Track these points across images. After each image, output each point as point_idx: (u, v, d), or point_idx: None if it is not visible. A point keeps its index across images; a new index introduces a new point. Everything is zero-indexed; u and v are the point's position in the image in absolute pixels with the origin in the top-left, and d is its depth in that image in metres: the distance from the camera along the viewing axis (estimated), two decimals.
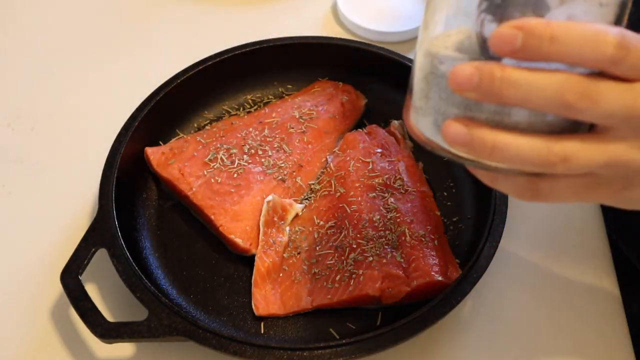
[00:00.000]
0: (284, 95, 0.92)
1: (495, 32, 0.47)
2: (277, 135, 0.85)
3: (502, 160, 0.50)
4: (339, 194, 0.81)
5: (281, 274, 0.77)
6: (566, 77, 0.48)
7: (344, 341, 0.69)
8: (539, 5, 0.49)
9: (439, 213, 0.81)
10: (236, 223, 0.79)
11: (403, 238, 0.76)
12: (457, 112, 0.51)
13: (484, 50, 0.50)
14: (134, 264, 0.73)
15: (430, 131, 0.54)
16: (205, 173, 0.82)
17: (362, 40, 0.93)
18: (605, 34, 0.47)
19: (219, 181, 0.81)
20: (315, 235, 0.79)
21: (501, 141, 0.49)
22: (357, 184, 0.81)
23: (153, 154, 0.84)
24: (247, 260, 0.79)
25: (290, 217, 0.80)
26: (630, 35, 0.48)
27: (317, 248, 0.78)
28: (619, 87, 0.48)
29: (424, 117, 0.54)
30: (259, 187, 0.81)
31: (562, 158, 0.49)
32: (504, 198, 0.76)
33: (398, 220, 0.78)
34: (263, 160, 0.83)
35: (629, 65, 0.48)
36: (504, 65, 0.48)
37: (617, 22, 0.50)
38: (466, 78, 0.48)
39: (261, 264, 0.77)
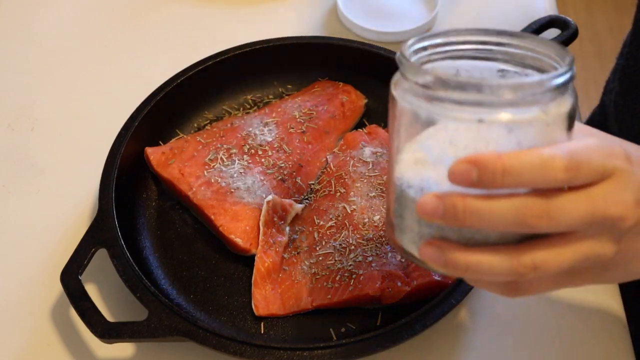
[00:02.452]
0: (284, 95, 0.92)
1: (452, 168, 0.51)
2: (277, 135, 0.85)
3: (478, 276, 0.53)
4: (339, 194, 0.81)
5: (281, 274, 0.77)
6: (524, 201, 0.51)
7: (344, 341, 0.69)
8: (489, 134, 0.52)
9: None
10: (236, 223, 0.79)
11: None
12: (430, 231, 0.55)
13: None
14: (134, 264, 0.73)
15: (409, 246, 0.57)
16: (205, 173, 0.82)
17: (362, 40, 0.93)
18: (552, 160, 0.50)
19: (218, 181, 0.81)
20: (315, 235, 0.79)
21: (473, 261, 0.53)
22: (357, 184, 0.81)
23: (153, 154, 0.84)
24: (247, 260, 0.79)
25: (290, 217, 0.80)
26: (579, 151, 0.51)
27: (317, 248, 0.78)
28: (577, 198, 0.51)
29: (401, 234, 0.57)
30: (259, 187, 0.81)
31: (532, 267, 0.52)
32: None
33: None
34: (263, 160, 0.83)
35: (582, 180, 0.51)
36: (464, 196, 0.51)
37: (569, 128, 0.54)
38: (431, 209, 0.52)
39: (261, 264, 0.77)
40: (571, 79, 0.53)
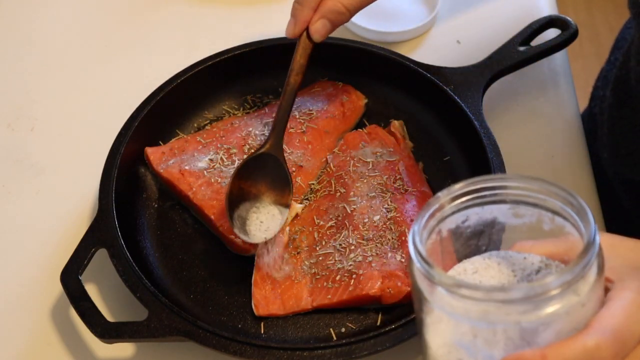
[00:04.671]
0: None
1: None
2: None
3: None
4: (339, 194, 0.81)
5: (281, 274, 0.77)
6: None
7: (344, 341, 0.69)
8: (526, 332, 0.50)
9: None
10: None
11: (403, 238, 0.76)
12: None
13: None
14: (134, 264, 0.73)
15: None
16: (205, 173, 0.82)
17: (362, 40, 0.93)
18: (598, 351, 0.48)
19: (218, 181, 0.81)
20: (315, 235, 0.79)
21: None
22: (357, 184, 0.81)
23: (153, 154, 0.84)
24: (247, 260, 0.79)
25: (290, 217, 0.80)
26: (620, 325, 0.49)
27: (317, 248, 0.78)
28: None
29: None
30: None
31: None
32: None
33: (398, 220, 0.78)
34: None
35: (629, 352, 0.50)
36: None
37: (600, 278, 0.51)
38: None
39: (261, 264, 0.77)
40: (598, 251, 0.51)
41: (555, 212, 0.55)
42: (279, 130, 0.79)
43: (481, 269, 0.56)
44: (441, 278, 0.50)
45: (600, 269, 0.51)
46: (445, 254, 0.58)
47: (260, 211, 0.77)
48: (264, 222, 0.77)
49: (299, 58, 0.80)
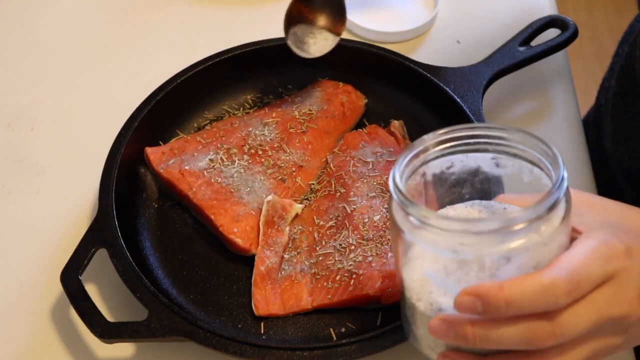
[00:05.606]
0: (284, 95, 0.92)
1: (457, 299, 0.52)
2: (277, 135, 0.85)
3: None
4: (339, 194, 0.81)
5: (281, 274, 0.77)
6: (530, 325, 0.52)
7: (343, 341, 0.69)
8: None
9: None
10: (236, 223, 0.79)
11: None
12: (444, 342, 0.57)
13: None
14: (134, 264, 0.73)
15: (426, 352, 0.60)
16: (205, 173, 0.82)
17: (362, 40, 0.93)
18: (553, 287, 0.51)
19: (219, 181, 0.81)
20: (315, 235, 0.79)
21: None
22: (357, 184, 0.81)
23: (153, 154, 0.84)
24: (247, 260, 0.79)
25: (290, 217, 0.80)
26: (578, 267, 0.52)
27: (317, 248, 0.78)
28: (580, 310, 0.52)
29: (415, 341, 0.61)
30: (259, 187, 0.81)
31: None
32: None
33: None
34: (263, 160, 0.83)
35: (584, 292, 0.52)
36: (473, 323, 0.53)
37: (565, 228, 0.54)
38: (443, 332, 0.54)
39: (261, 264, 0.77)
40: (563, 195, 0.53)
41: (533, 164, 0.57)
42: None
43: (462, 215, 0.59)
44: (416, 210, 0.53)
45: (566, 213, 0.54)
46: (428, 199, 0.61)
47: (316, 36, 0.85)
48: (316, 43, 0.85)
49: None
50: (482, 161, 0.59)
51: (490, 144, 0.58)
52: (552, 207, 0.52)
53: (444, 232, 0.52)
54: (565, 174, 0.53)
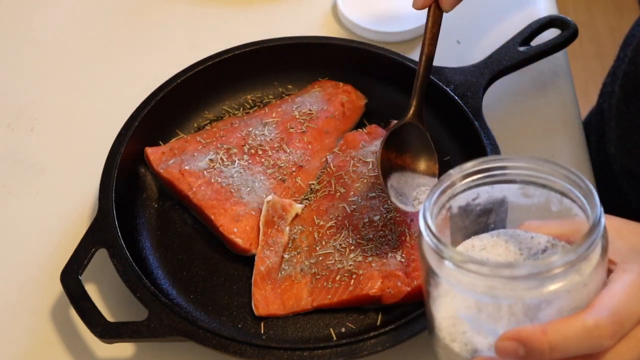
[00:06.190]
0: (284, 95, 0.92)
1: (498, 344, 0.51)
2: (277, 135, 0.85)
3: None
4: (339, 194, 0.81)
5: (281, 274, 0.77)
6: None
7: (344, 341, 0.69)
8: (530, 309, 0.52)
9: None
10: (236, 223, 0.79)
11: (403, 238, 0.76)
12: None
13: None
14: (134, 264, 0.73)
15: None
16: (205, 173, 0.82)
17: (362, 40, 0.93)
18: (597, 329, 0.50)
19: (218, 181, 0.81)
20: (315, 235, 0.79)
21: None
22: (357, 184, 0.81)
23: (153, 154, 0.84)
24: (247, 260, 0.79)
25: (290, 217, 0.80)
26: (620, 307, 0.50)
27: (317, 248, 0.78)
28: (622, 348, 0.51)
29: None
30: (259, 187, 0.81)
31: None
32: None
33: (398, 220, 0.78)
34: (263, 160, 0.83)
35: (628, 331, 0.51)
36: None
37: (604, 259, 0.53)
38: None
39: (261, 264, 0.77)
40: (602, 233, 0.52)
41: (563, 194, 0.56)
42: (419, 99, 0.79)
43: (489, 246, 0.57)
44: (450, 253, 0.52)
45: (604, 250, 0.52)
46: (454, 229, 0.59)
47: (407, 183, 0.77)
48: (415, 194, 0.77)
49: (431, 27, 0.79)
50: (508, 191, 0.58)
51: (517, 175, 0.57)
52: (591, 246, 0.51)
53: (483, 277, 0.51)
54: (602, 210, 0.52)
